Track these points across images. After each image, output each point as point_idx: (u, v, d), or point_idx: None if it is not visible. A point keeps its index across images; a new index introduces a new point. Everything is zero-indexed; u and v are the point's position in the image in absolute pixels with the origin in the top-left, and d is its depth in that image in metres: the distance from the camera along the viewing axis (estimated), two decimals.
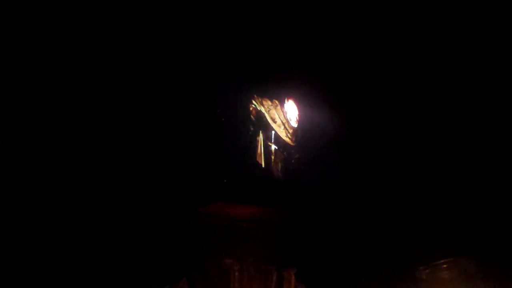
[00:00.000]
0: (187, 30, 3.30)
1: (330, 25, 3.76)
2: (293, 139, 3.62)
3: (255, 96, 3.50)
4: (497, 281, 3.27)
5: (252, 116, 3.42)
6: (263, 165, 3.32)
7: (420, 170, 3.89)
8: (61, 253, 2.61)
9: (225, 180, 3.08)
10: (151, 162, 3.00)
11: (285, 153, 3.51)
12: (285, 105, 3.66)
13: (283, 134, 3.55)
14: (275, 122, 3.54)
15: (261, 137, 3.40)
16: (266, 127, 3.48)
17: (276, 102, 3.61)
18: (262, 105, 3.53)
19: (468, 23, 3.72)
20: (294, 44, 3.74)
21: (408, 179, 3.87)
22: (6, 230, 2.50)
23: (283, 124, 3.58)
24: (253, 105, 3.46)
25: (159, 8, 3.17)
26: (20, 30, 2.78)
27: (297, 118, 3.69)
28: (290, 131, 3.61)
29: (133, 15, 3.10)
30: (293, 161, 3.53)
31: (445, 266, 3.37)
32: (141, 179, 2.94)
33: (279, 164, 3.45)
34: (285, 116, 3.63)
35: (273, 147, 3.45)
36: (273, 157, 3.43)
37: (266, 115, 3.51)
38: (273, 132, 3.51)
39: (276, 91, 3.66)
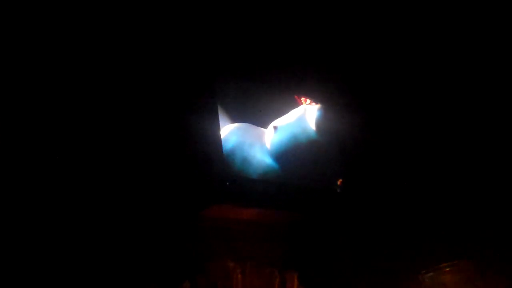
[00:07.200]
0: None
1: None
2: None
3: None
4: (498, 285, 3.28)
5: None
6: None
7: (420, 173, 3.90)
8: (63, 255, 2.62)
9: (227, 183, 3.09)
10: (153, 164, 3.00)
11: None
12: None
13: None
14: None
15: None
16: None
17: None
18: None
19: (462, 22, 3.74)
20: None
21: (409, 181, 3.88)
22: (6, 230, 2.51)
23: None
24: None
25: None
26: (20, 29, 2.79)
27: None
28: None
29: (130, 11, 3.11)
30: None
31: (447, 269, 3.36)
32: (143, 181, 2.94)
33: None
34: None
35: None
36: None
37: None
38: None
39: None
